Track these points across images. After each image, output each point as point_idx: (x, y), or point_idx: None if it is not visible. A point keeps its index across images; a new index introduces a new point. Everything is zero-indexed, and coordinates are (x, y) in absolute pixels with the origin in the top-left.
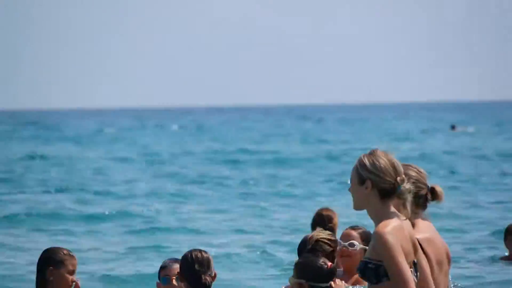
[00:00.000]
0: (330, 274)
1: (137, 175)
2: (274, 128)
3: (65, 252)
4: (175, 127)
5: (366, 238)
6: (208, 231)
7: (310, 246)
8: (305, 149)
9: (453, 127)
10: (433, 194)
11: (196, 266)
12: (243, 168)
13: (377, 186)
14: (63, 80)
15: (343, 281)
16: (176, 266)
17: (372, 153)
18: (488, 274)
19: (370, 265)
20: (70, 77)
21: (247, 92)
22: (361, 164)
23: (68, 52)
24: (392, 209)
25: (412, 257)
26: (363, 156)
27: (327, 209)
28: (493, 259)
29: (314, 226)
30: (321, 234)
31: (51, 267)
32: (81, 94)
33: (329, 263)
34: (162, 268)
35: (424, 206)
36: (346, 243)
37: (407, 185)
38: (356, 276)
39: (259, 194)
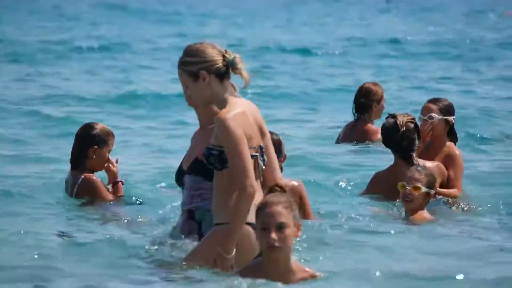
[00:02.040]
0: None
1: None
2: None
3: (108, 131)
4: None
5: (446, 110)
6: None
7: (403, 129)
8: None
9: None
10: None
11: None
12: None
13: (212, 71)
14: None
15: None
16: None
17: (187, 50)
18: None
19: (214, 152)
20: None
21: None
22: (185, 63)
23: None
24: (235, 94)
25: (258, 142)
26: (181, 57)
27: (374, 83)
28: None
29: (357, 99)
30: (405, 117)
31: (95, 147)
32: None
33: None
34: None
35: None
36: (426, 117)
37: (236, 54)
38: (443, 148)
39: None
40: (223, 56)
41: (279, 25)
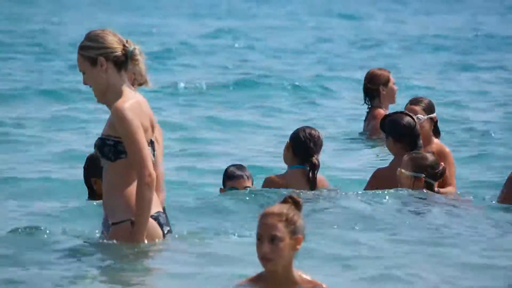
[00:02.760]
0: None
1: None
2: None
3: None
4: None
5: (428, 109)
6: None
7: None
8: None
9: None
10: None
11: (311, 145)
12: None
13: (111, 58)
14: None
15: None
16: (244, 179)
17: (88, 35)
18: None
19: (108, 142)
20: None
21: None
22: (84, 48)
23: None
24: (130, 85)
25: (150, 135)
26: (82, 42)
27: (379, 68)
28: None
29: (365, 86)
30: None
31: (94, 179)
32: None
33: None
34: (229, 178)
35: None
36: None
37: (136, 46)
38: (432, 145)
39: None
40: (123, 45)
41: None
